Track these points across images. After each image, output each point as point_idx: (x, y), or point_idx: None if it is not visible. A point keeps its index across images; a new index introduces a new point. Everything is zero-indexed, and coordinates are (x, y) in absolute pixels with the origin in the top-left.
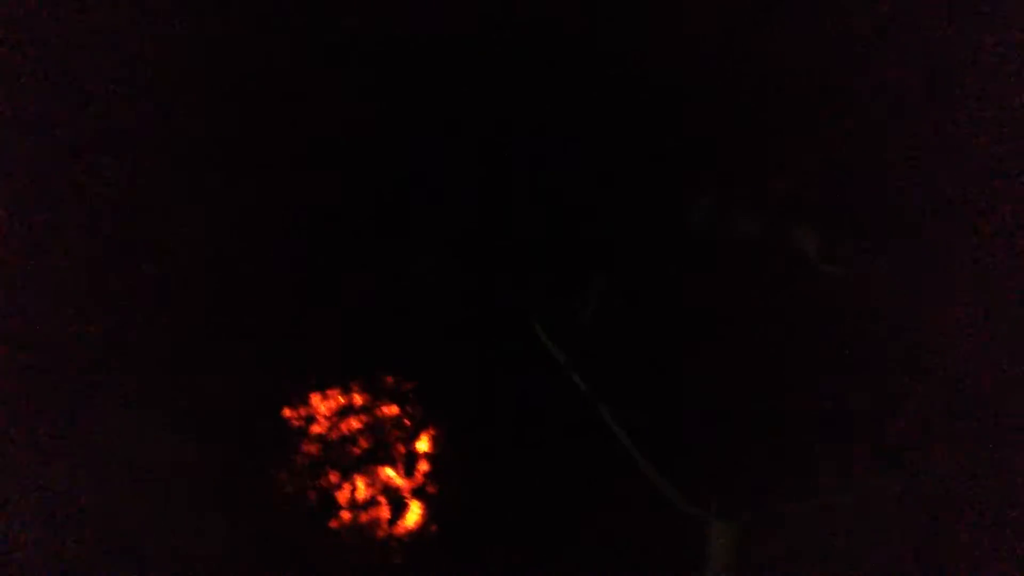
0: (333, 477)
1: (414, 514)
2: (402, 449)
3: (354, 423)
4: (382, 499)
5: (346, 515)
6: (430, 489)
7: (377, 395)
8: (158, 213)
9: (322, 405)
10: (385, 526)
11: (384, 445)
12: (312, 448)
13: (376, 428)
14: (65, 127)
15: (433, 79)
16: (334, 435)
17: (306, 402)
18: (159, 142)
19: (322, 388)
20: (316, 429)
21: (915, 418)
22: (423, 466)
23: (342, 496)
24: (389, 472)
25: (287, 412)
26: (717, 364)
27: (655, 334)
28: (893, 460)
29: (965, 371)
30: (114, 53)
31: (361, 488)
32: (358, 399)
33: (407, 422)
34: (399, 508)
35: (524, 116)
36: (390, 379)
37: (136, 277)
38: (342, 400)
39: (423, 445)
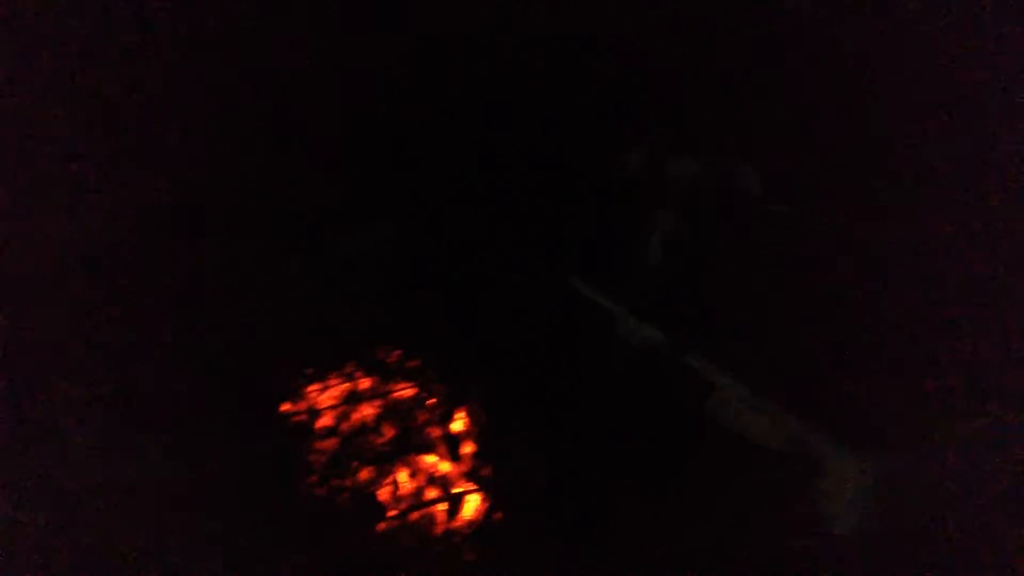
0: (365, 474)
1: (473, 502)
2: (437, 432)
3: (367, 410)
4: (432, 492)
5: (394, 515)
6: (484, 472)
7: (385, 377)
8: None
9: (322, 396)
10: (442, 521)
11: (413, 430)
12: (327, 444)
13: (395, 413)
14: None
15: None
16: (345, 427)
17: (303, 394)
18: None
19: (320, 377)
20: (324, 422)
21: None
22: (467, 448)
23: (384, 494)
24: (430, 459)
25: (286, 407)
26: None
27: (725, 272)
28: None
29: None
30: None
31: (404, 482)
32: (364, 383)
33: (430, 401)
34: (454, 498)
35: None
36: (393, 358)
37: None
38: (346, 386)
39: (459, 425)
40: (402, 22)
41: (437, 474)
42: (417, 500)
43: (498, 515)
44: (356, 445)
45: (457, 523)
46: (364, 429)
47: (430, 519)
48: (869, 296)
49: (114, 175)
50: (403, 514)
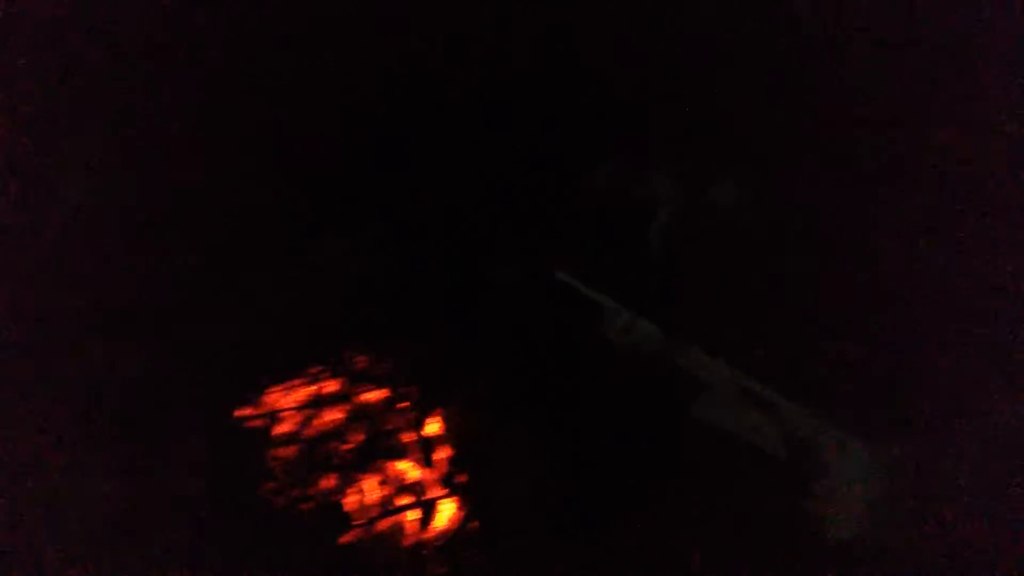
0: (328, 482)
1: (446, 510)
2: (409, 437)
3: (334, 414)
4: (402, 499)
5: (360, 524)
6: (460, 478)
7: (353, 380)
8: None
9: (282, 400)
10: (413, 531)
11: (384, 434)
12: (287, 452)
13: (364, 417)
14: None
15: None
16: (308, 432)
17: (262, 398)
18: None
19: (281, 380)
20: (284, 428)
21: None
22: (443, 452)
23: (349, 503)
24: (402, 466)
25: (243, 412)
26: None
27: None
28: None
29: None
30: None
31: (372, 489)
32: (331, 386)
33: (401, 405)
34: (426, 506)
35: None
36: (362, 360)
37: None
38: (310, 390)
39: (434, 428)
40: (402, 22)
41: (408, 480)
42: (386, 508)
43: (474, 524)
44: (320, 452)
45: (429, 533)
46: (329, 435)
47: (399, 529)
48: (874, 291)
49: (99, 173)
50: (370, 523)
